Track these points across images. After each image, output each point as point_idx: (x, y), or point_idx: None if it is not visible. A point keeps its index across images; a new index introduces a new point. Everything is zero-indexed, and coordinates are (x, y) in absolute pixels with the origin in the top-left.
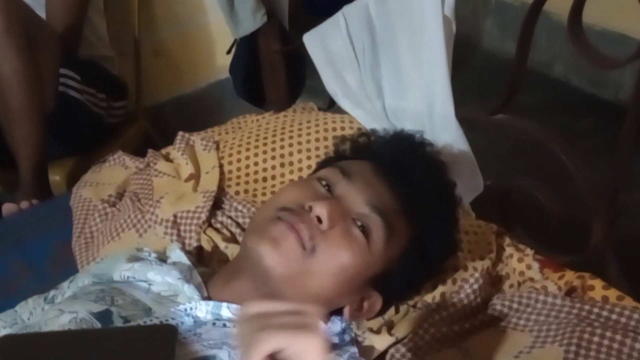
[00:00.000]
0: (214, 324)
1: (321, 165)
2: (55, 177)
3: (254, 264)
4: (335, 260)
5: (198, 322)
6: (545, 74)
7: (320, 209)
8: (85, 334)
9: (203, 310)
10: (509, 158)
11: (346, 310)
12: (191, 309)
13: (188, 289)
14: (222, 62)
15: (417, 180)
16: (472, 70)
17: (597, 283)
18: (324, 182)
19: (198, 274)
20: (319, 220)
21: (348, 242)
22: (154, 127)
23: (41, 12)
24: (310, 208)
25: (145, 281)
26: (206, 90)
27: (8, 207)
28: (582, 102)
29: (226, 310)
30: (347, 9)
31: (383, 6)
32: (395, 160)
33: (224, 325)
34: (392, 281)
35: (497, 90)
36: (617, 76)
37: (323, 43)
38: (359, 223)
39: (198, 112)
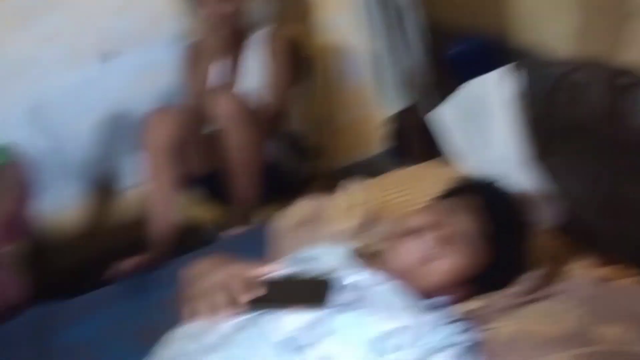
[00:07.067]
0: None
1: (445, 194)
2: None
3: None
4: (449, 262)
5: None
6: None
7: (438, 233)
8: (279, 279)
9: (356, 275)
10: None
11: (449, 298)
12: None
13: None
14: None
15: (503, 216)
16: None
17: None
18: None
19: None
20: (439, 239)
21: (457, 253)
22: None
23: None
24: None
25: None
26: (375, 157)
27: (127, 264)
28: None
29: (368, 276)
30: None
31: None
32: (489, 199)
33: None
34: (485, 279)
35: None
36: None
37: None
38: (462, 240)
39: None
